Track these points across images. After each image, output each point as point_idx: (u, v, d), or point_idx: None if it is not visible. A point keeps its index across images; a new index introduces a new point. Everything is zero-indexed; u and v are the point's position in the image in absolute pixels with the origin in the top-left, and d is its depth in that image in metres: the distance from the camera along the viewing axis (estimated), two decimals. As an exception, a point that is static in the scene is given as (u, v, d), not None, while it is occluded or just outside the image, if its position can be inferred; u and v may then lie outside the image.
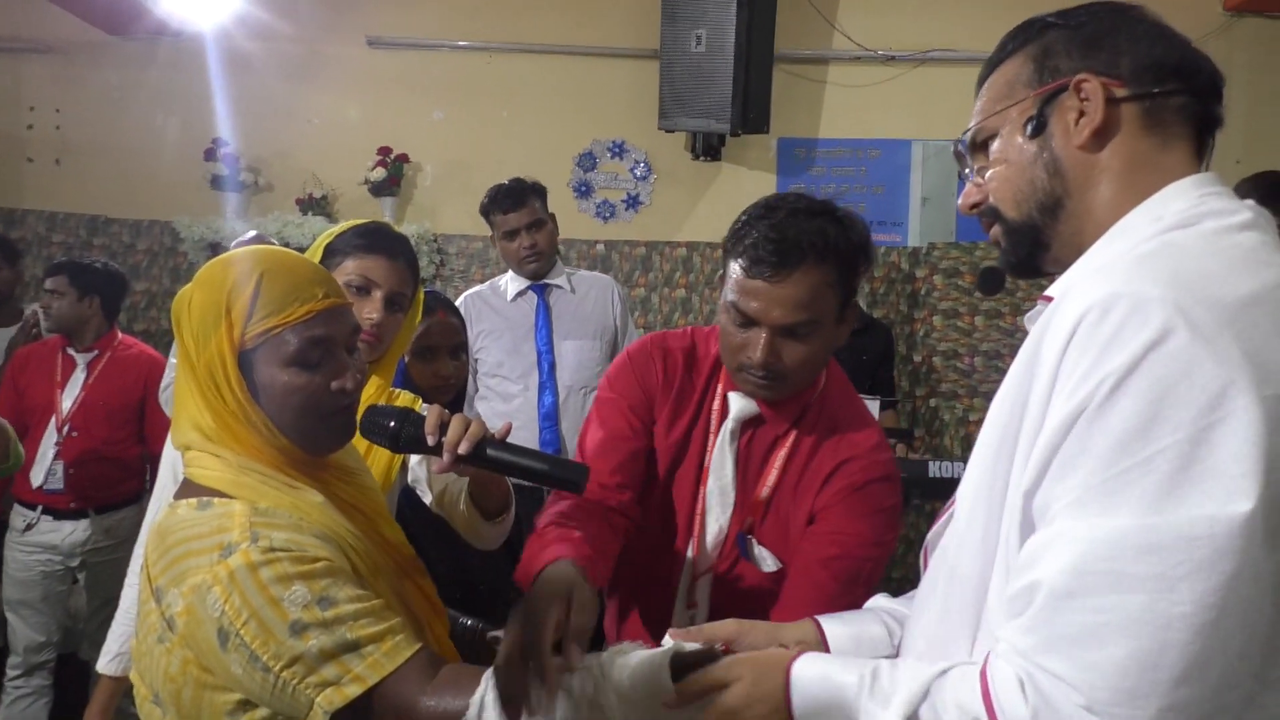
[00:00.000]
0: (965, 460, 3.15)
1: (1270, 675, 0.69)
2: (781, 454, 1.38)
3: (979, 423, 4.35)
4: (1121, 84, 0.85)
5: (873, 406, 3.57)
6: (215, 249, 4.58)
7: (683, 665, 0.97)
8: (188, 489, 1.08)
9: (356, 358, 1.14)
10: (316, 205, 4.62)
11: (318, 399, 1.09)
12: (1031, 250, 0.92)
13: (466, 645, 1.05)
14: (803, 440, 1.38)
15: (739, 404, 1.39)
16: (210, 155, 4.59)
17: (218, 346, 1.07)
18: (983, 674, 0.76)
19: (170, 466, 1.61)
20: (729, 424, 1.39)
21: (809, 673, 0.91)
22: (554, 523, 1.28)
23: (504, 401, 2.95)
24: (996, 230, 0.94)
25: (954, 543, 0.88)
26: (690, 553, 1.42)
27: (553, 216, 3.04)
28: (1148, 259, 0.76)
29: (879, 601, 1.16)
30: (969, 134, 0.96)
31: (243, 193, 4.67)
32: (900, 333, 4.49)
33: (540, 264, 2.99)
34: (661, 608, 1.44)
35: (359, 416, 1.16)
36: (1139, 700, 0.65)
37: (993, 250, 4.48)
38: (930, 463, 3.76)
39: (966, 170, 0.97)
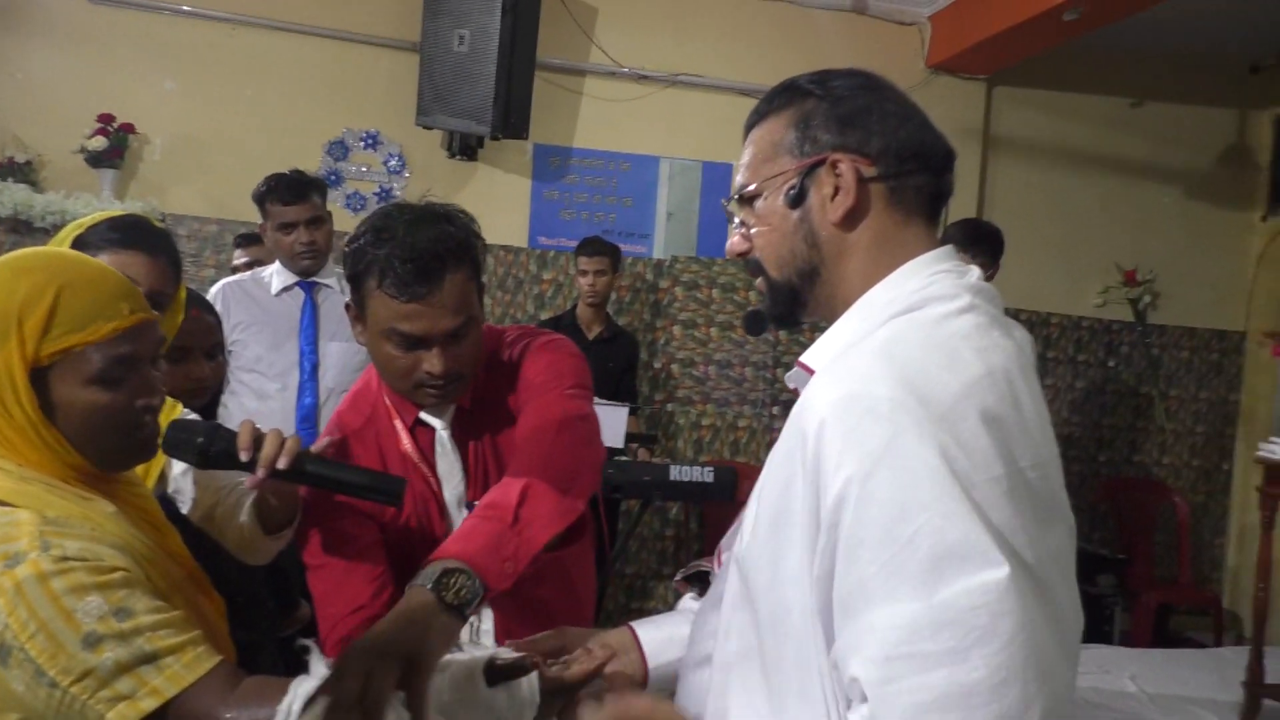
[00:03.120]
0: (698, 464, 3.37)
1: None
2: (473, 427, 1.47)
3: (710, 427, 4.71)
4: (870, 163, 0.96)
5: (618, 413, 3.76)
6: (-115, 210, 3.96)
7: (496, 673, 1.02)
8: None
9: (160, 370, 1.10)
10: (19, 171, 4.12)
11: (121, 417, 1.05)
12: (790, 308, 1.02)
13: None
14: (482, 404, 1.47)
15: (438, 419, 1.45)
16: (-118, 102, 3.97)
17: (5, 362, 0.99)
18: None
19: None
20: (441, 435, 1.45)
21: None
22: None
23: (258, 399, 2.82)
24: (760, 282, 1.04)
25: (745, 564, 0.95)
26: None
27: (330, 214, 2.96)
28: (878, 355, 0.87)
29: (687, 603, 1.27)
30: (736, 192, 1.05)
31: (-76, 148, 4.07)
32: (643, 340, 4.73)
33: (315, 262, 2.89)
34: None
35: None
36: None
37: (729, 266, 4.85)
38: (671, 466, 4.01)
39: (735, 221, 1.06)
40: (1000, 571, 0.76)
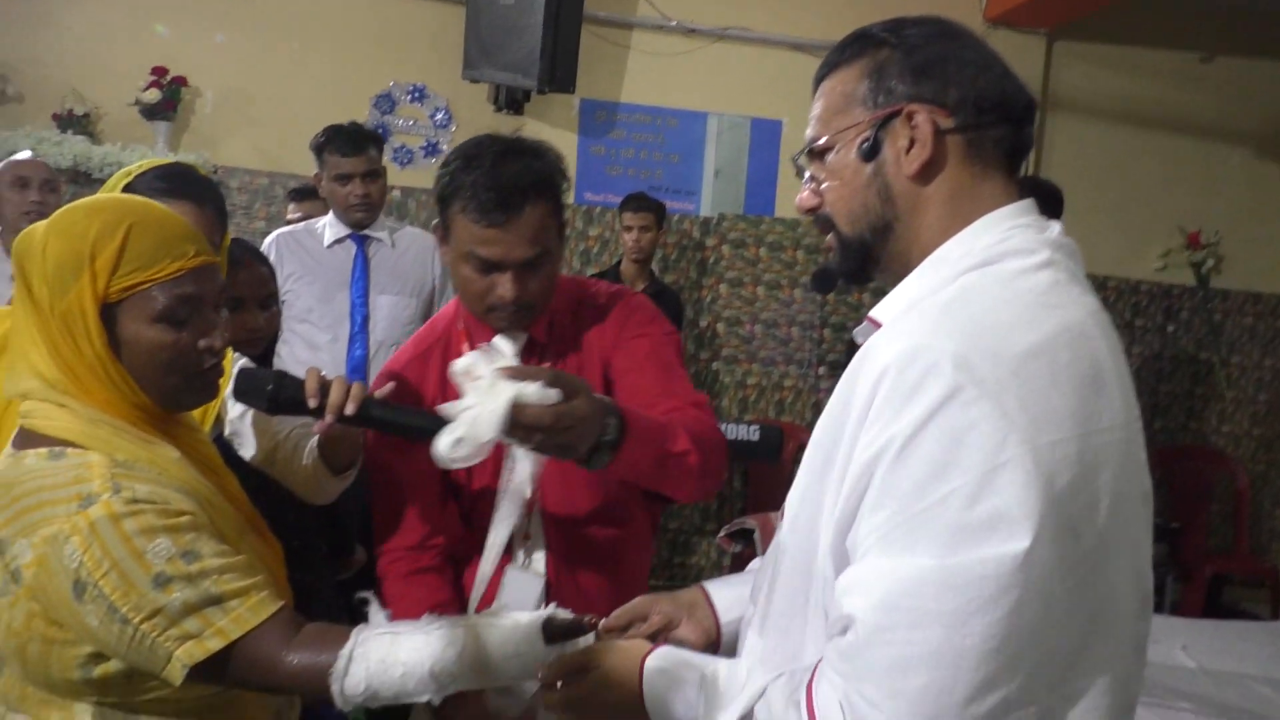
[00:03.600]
0: (743, 422, 3.42)
1: (1067, 689, 0.82)
2: (548, 360, 1.51)
3: (755, 386, 4.69)
4: (948, 114, 0.93)
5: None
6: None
7: (554, 632, 1.03)
8: (29, 439, 1.02)
9: (223, 315, 1.12)
10: (77, 123, 4.18)
11: (184, 357, 1.07)
12: (862, 264, 1.00)
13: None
14: (558, 340, 1.53)
15: (508, 344, 1.48)
16: (-55, 54, 4.03)
17: (78, 297, 1.02)
18: (808, 693, 0.86)
19: None
20: (512, 362, 1.50)
21: (658, 667, 0.99)
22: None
23: (310, 350, 2.85)
24: (831, 238, 1.02)
25: (783, 534, 0.98)
26: (510, 502, 1.49)
27: (384, 169, 2.98)
28: (947, 309, 0.86)
29: (755, 564, 1.27)
30: (808, 145, 1.02)
31: (-14, 101, 4.14)
32: (689, 298, 4.71)
33: (368, 215, 2.91)
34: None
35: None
36: None
37: (777, 225, 4.79)
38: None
39: (805, 176, 1.03)
40: (1019, 545, 0.75)
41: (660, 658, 0.99)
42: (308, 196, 3.71)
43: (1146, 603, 0.89)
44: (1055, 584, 0.77)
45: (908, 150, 0.93)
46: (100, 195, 1.09)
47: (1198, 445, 5.16)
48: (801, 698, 0.86)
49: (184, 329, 1.06)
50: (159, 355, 1.05)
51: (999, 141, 0.94)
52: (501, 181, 1.37)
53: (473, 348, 1.48)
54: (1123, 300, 5.08)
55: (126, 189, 1.42)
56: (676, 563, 4.66)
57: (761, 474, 4.41)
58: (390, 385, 1.33)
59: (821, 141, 0.99)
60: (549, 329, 1.53)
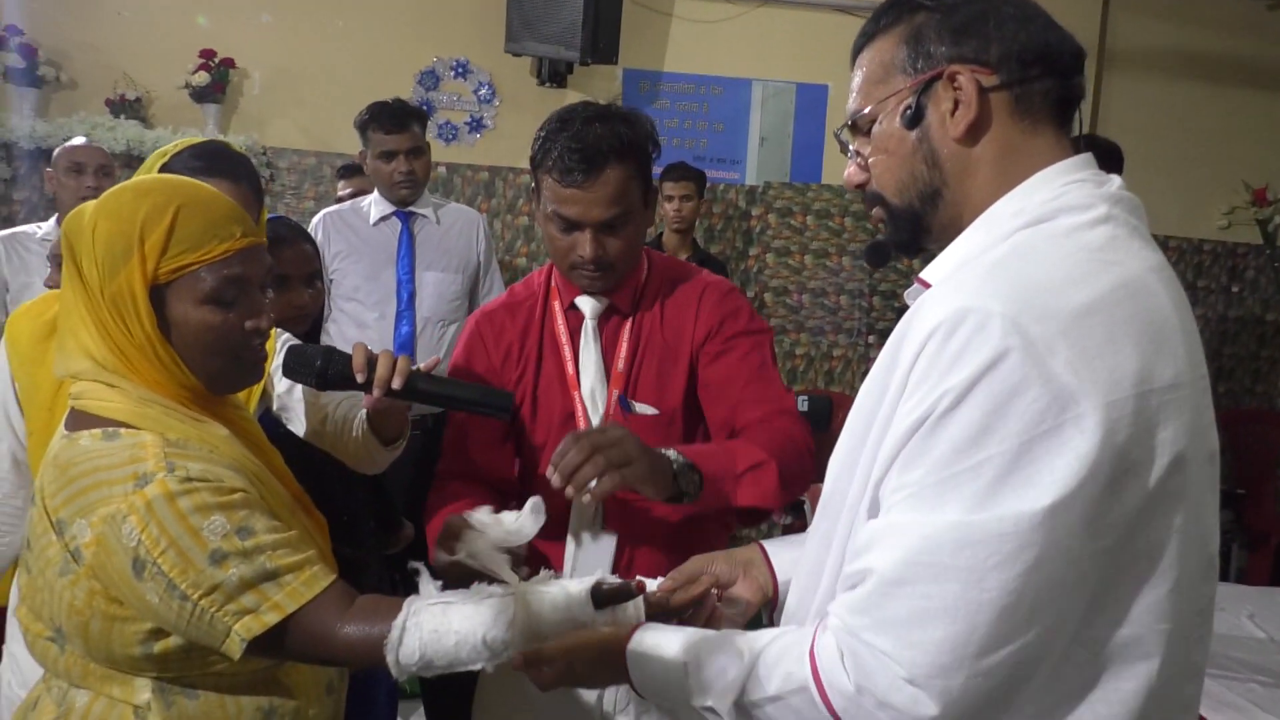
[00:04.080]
0: (792, 392, 3.37)
1: (1085, 635, 0.82)
2: (627, 330, 1.56)
3: (804, 356, 4.64)
4: (991, 72, 0.91)
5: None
6: (8, 149, 4.15)
7: (602, 597, 1.03)
8: (83, 420, 1.04)
9: (269, 296, 1.12)
10: (130, 108, 4.25)
11: (232, 338, 1.08)
12: (914, 234, 0.98)
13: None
14: (645, 314, 1.57)
15: (590, 303, 1.56)
16: (2, 44, 4.12)
17: (128, 279, 1.03)
18: (811, 649, 0.86)
19: (0, 403, 1.49)
20: (589, 323, 1.56)
21: (642, 654, 0.98)
22: (453, 495, 1.48)
23: (358, 328, 2.89)
24: (879, 211, 1.00)
25: (823, 499, 0.97)
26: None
27: (428, 145, 2.99)
28: (998, 268, 0.84)
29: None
30: (849, 119, 1.01)
31: (42, 89, 4.22)
32: (735, 268, 4.67)
33: (412, 192, 2.92)
34: (564, 514, 1.53)
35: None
36: (951, 672, 0.76)
37: (824, 192, 4.72)
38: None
39: (850, 150, 1.02)
40: (1042, 502, 0.75)
41: (641, 642, 0.98)
42: (357, 173, 3.73)
43: (1211, 566, 0.87)
44: (1083, 542, 0.77)
45: (952, 113, 0.91)
46: (147, 176, 1.10)
47: (1264, 409, 5.01)
48: (805, 655, 0.86)
49: (231, 310, 1.08)
50: (206, 336, 1.07)
51: (1047, 94, 0.92)
52: (584, 143, 1.42)
53: (562, 306, 1.58)
54: (1185, 261, 4.93)
55: (163, 169, 1.44)
56: (742, 539, 4.66)
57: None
58: (435, 359, 1.37)
59: (864, 113, 0.97)
60: (634, 299, 1.57)
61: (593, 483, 1.20)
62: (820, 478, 0.99)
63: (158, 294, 1.05)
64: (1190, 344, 0.85)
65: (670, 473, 1.28)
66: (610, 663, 0.99)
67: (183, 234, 1.04)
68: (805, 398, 4.05)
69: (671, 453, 1.30)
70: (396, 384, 1.24)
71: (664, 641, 0.97)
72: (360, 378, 1.24)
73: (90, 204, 1.08)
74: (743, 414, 1.49)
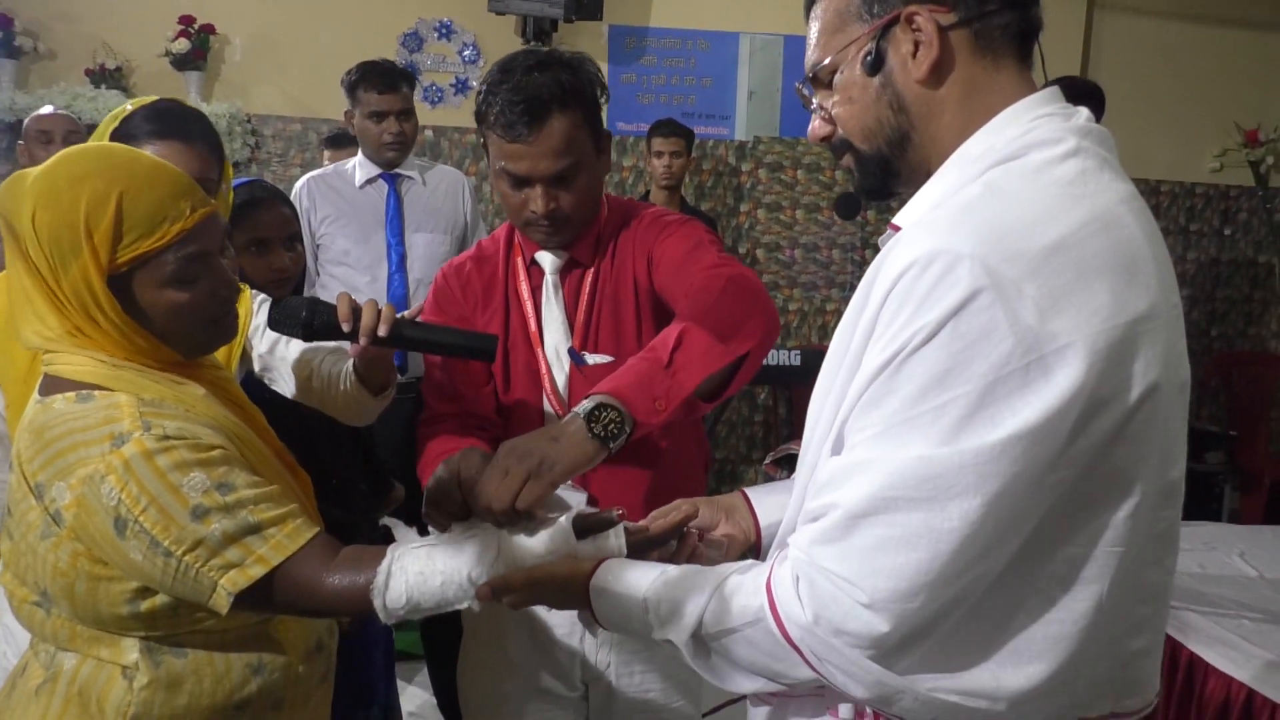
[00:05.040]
0: (786, 348, 3.40)
1: (1055, 568, 0.83)
2: (589, 282, 1.53)
3: (797, 312, 4.64)
4: (948, 10, 0.89)
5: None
6: (-12, 122, 4.12)
7: (584, 527, 1.04)
8: (56, 384, 1.04)
9: (229, 256, 1.12)
10: (110, 77, 4.20)
11: (203, 311, 1.08)
12: (884, 179, 0.98)
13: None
14: (602, 262, 1.54)
15: (549, 259, 1.53)
16: (-24, 16, 4.06)
17: (83, 273, 1.01)
18: (768, 581, 0.88)
19: None
20: (549, 278, 1.53)
21: (604, 589, 0.99)
22: (445, 432, 1.46)
23: (349, 292, 2.87)
24: (849, 159, 0.99)
25: (802, 445, 0.98)
26: (548, 407, 1.54)
27: (414, 108, 2.98)
28: (968, 209, 0.83)
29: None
30: (809, 72, 1.00)
31: (20, 60, 4.17)
32: (726, 225, 4.65)
33: (399, 154, 2.91)
34: None
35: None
36: (910, 597, 0.78)
37: (814, 145, 4.69)
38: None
39: (813, 105, 1.01)
40: (998, 434, 0.76)
41: (603, 580, 0.99)
42: (343, 144, 3.70)
43: (1174, 491, 0.88)
44: (1044, 473, 0.78)
45: (914, 55, 0.90)
46: (77, 151, 1.05)
47: (1257, 351, 5.02)
48: (762, 582, 0.88)
49: (197, 286, 1.07)
50: (179, 315, 1.06)
51: (1006, 28, 0.91)
52: (525, 95, 1.36)
53: (524, 262, 1.55)
54: (1176, 205, 4.91)
55: (115, 134, 1.40)
56: (724, 491, 4.69)
57: (806, 400, 4.38)
58: (419, 307, 1.38)
59: (824, 64, 0.96)
60: (595, 248, 1.54)
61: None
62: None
63: (122, 281, 1.03)
64: (1163, 273, 0.85)
65: (585, 437, 1.12)
66: (574, 594, 1.00)
67: (132, 221, 1.02)
68: (799, 353, 4.06)
69: (584, 402, 1.14)
70: (382, 331, 1.25)
71: (626, 576, 0.98)
72: (346, 327, 1.25)
73: (25, 178, 1.03)
74: (688, 279, 1.38)
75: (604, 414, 1.12)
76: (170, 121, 1.42)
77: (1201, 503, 4.02)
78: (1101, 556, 0.83)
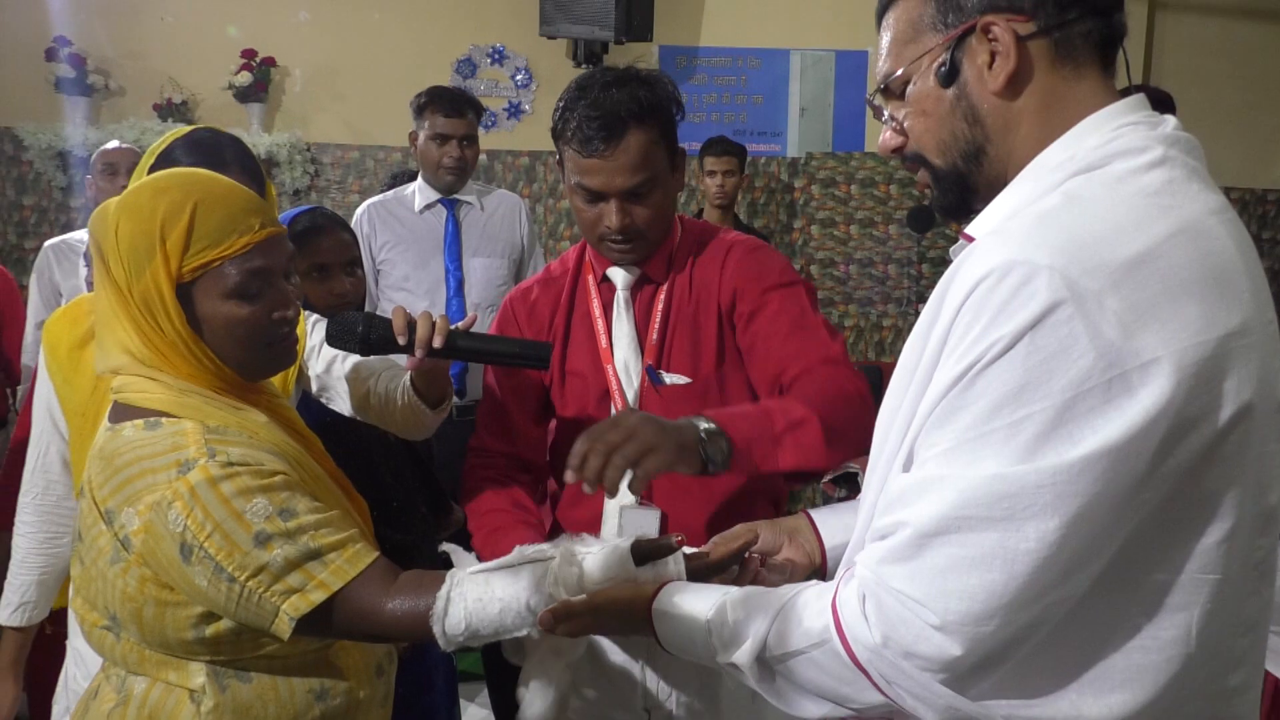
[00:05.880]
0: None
1: (1126, 579, 0.79)
2: (661, 299, 1.53)
3: (853, 328, 4.58)
4: (1026, 19, 0.86)
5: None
6: (64, 157, 4.27)
7: (643, 553, 1.03)
8: (125, 412, 1.07)
9: (294, 282, 1.14)
10: (176, 111, 4.34)
11: (261, 329, 1.10)
12: (961, 195, 0.95)
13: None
14: (677, 280, 1.54)
15: (621, 275, 1.54)
16: (51, 55, 4.23)
17: (153, 279, 1.05)
18: (834, 601, 0.85)
19: (45, 408, 1.53)
20: (620, 294, 1.54)
21: (666, 612, 0.98)
22: (490, 482, 1.51)
23: (408, 316, 2.92)
24: (924, 175, 0.97)
25: (870, 459, 0.94)
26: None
27: (478, 137, 3.04)
28: (1047, 218, 0.80)
29: None
30: (881, 83, 0.97)
31: (92, 97, 4.33)
32: (779, 242, 4.62)
33: (459, 179, 2.95)
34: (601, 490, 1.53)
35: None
36: (984, 620, 0.75)
37: (868, 160, 4.63)
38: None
39: (884, 116, 0.98)
40: (1079, 452, 0.73)
41: (665, 603, 0.98)
42: (408, 181, 3.77)
43: (1270, 518, 0.83)
44: (1129, 495, 0.74)
45: (990, 66, 0.87)
46: (164, 172, 1.10)
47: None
48: (828, 603, 0.86)
49: (257, 302, 1.09)
50: (236, 330, 1.08)
51: (1088, 36, 0.87)
52: (602, 111, 1.39)
53: (595, 279, 1.56)
54: (1248, 212, 4.76)
55: (155, 166, 1.42)
56: (789, 510, 4.63)
57: (864, 416, 4.33)
58: (473, 316, 1.40)
59: (897, 75, 0.93)
60: (667, 266, 1.54)
61: (624, 484, 1.13)
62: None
63: (184, 291, 1.06)
64: (1257, 288, 0.81)
65: (695, 450, 1.19)
66: (636, 618, 0.98)
67: (203, 230, 1.05)
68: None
69: (701, 420, 1.22)
70: (437, 342, 1.27)
71: (689, 599, 0.97)
72: (402, 340, 1.27)
73: (113, 202, 1.09)
74: (788, 371, 1.42)
75: (717, 441, 1.19)
76: (205, 150, 1.45)
77: None
78: (1191, 584, 0.79)
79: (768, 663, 0.90)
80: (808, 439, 1.28)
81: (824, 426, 1.29)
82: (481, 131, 4.55)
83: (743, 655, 0.90)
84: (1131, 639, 0.79)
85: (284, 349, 1.14)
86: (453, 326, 1.30)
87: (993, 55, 0.87)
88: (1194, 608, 0.79)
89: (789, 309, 1.47)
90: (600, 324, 1.55)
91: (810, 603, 0.88)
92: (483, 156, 4.58)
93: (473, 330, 1.34)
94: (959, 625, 0.76)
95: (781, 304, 1.48)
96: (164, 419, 1.04)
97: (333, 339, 1.29)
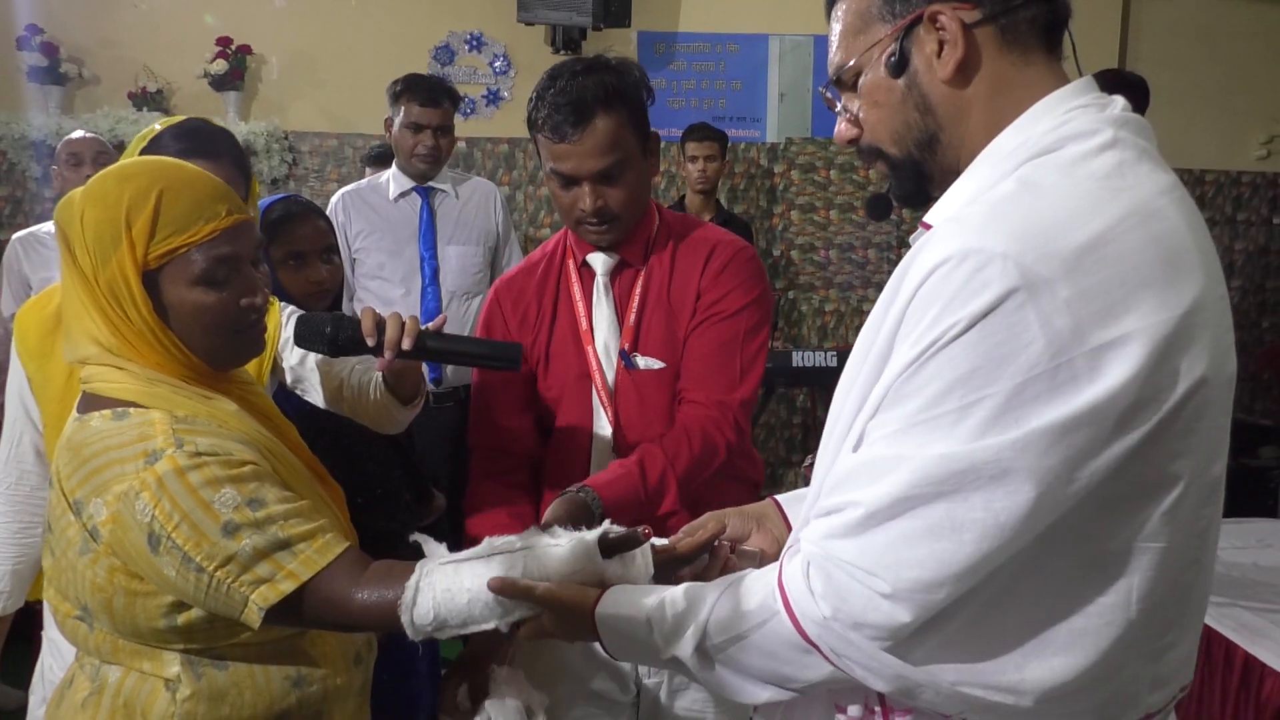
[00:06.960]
0: (823, 349, 3.37)
1: (1070, 548, 0.81)
2: (640, 284, 1.57)
3: (834, 312, 4.60)
4: (972, 7, 0.87)
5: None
6: (38, 148, 4.22)
7: (610, 546, 1.03)
8: (93, 402, 1.06)
9: (262, 270, 1.13)
10: (151, 100, 4.30)
11: (228, 317, 1.09)
12: (917, 183, 0.96)
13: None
14: (655, 266, 1.58)
15: (600, 260, 1.58)
16: (23, 44, 4.18)
17: (119, 266, 1.04)
18: (779, 579, 0.86)
19: (18, 398, 1.52)
20: (600, 279, 1.58)
21: (608, 614, 0.97)
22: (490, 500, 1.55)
23: (384, 305, 2.90)
24: (881, 166, 0.98)
25: (823, 438, 0.96)
26: (598, 405, 1.57)
27: (453, 126, 3.02)
28: (1002, 206, 0.81)
29: None
30: (833, 75, 0.98)
31: (65, 86, 4.29)
32: (759, 228, 4.63)
33: (432, 168, 2.94)
34: (583, 468, 1.56)
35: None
36: (934, 588, 0.77)
37: (847, 148, 4.66)
38: (793, 353, 3.95)
39: (839, 108, 0.99)
40: (1021, 429, 0.75)
41: (609, 606, 0.98)
42: (384, 162, 3.75)
43: (1214, 489, 0.85)
44: (1075, 468, 0.76)
45: (938, 54, 0.89)
46: (131, 160, 1.10)
47: (1311, 344, 4.88)
48: (773, 581, 0.87)
49: (224, 289, 1.08)
50: (203, 317, 1.07)
51: (1033, 21, 0.89)
52: (571, 97, 1.43)
53: (576, 264, 1.59)
54: (1222, 194, 4.80)
55: (145, 153, 1.42)
56: (763, 496, 4.65)
57: (845, 401, 4.35)
58: (443, 318, 1.40)
59: (848, 66, 0.95)
60: (645, 252, 1.58)
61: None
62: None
63: (151, 279, 1.06)
64: (1208, 264, 0.83)
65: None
66: (580, 624, 0.98)
67: (168, 217, 1.04)
68: (835, 353, 4.02)
69: (587, 492, 1.36)
70: (406, 344, 1.27)
71: (629, 600, 0.97)
72: (370, 341, 1.27)
73: (79, 191, 1.08)
74: (686, 392, 1.53)
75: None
76: (197, 140, 1.45)
77: (1256, 498, 3.90)
78: (1136, 552, 0.81)
79: (708, 652, 0.90)
80: (669, 497, 1.45)
81: (679, 484, 1.45)
82: (460, 119, 4.54)
83: (684, 647, 0.91)
84: (1074, 604, 0.81)
85: (252, 337, 1.13)
86: (423, 327, 1.30)
87: (941, 44, 0.88)
88: (1136, 574, 0.81)
89: (722, 335, 1.54)
90: (581, 307, 1.59)
91: (751, 585, 0.90)
92: (461, 144, 4.57)
93: (443, 330, 1.34)
94: (910, 593, 0.78)
95: (720, 329, 1.54)
96: (132, 409, 1.04)
97: (300, 339, 1.29)
